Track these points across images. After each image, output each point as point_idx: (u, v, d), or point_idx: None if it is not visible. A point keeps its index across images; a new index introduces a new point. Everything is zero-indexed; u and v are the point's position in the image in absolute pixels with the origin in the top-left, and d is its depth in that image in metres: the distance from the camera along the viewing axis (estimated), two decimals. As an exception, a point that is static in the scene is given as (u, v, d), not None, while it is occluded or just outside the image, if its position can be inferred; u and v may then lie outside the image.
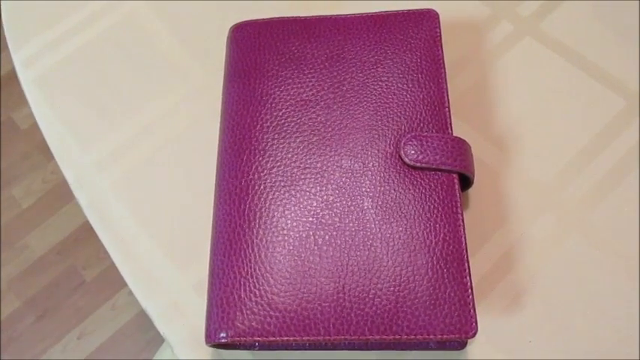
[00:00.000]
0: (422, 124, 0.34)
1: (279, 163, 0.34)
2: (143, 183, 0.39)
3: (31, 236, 1.17)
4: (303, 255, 0.31)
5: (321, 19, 0.38)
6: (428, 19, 0.37)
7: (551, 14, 0.43)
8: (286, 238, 0.31)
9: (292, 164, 0.33)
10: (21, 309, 1.10)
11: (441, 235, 0.31)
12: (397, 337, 0.29)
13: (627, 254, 0.35)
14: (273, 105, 0.35)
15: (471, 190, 0.37)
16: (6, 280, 1.13)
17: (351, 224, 0.32)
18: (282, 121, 0.35)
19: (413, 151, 0.33)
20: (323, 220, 0.32)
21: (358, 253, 0.31)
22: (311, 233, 0.32)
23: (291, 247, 0.31)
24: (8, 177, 1.23)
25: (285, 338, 0.29)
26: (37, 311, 1.10)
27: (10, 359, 1.06)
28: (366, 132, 0.34)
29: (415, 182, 0.32)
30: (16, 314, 1.10)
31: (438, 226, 0.31)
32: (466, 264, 0.30)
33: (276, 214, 0.32)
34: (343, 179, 0.33)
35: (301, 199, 0.32)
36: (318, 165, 0.33)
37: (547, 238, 0.35)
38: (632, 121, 0.38)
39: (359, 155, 0.33)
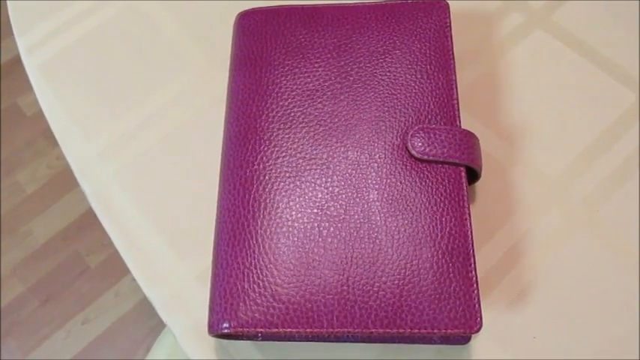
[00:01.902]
0: (430, 116, 0.34)
1: (284, 154, 0.33)
2: (148, 172, 0.39)
3: (36, 222, 1.17)
4: (307, 246, 0.31)
5: (329, 7, 0.37)
6: (438, 9, 0.37)
7: (562, 6, 0.42)
8: (291, 229, 0.31)
9: (298, 155, 0.33)
10: (25, 294, 1.11)
11: (447, 228, 0.31)
12: (401, 330, 0.29)
13: (634, 251, 0.34)
14: (279, 95, 0.35)
15: (478, 184, 0.37)
16: (10, 265, 1.13)
17: (356, 216, 0.31)
18: (288, 111, 0.34)
19: (420, 144, 0.32)
20: (328, 212, 0.32)
21: (363, 245, 0.31)
22: (315, 225, 0.31)
23: (295, 239, 0.31)
24: (13, 162, 1.23)
25: (288, 330, 0.29)
26: (40, 297, 1.11)
27: (13, 344, 1.07)
28: (373, 123, 0.34)
29: (422, 175, 0.32)
30: (20, 299, 1.11)
31: (444, 219, 0.31)
32: (472, 258, 0.30)
33: (280, 204, 0.32)
34: (349, 171, 0.32)
35: (306, 190, 0.32)
36: (324, 156, 0.33)
37: (554, 234, 0.35)
38: (643, 116, 0.38)
39: (365, 147, 0.33)
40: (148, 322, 1.08)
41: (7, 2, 0.45)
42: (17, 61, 1.35)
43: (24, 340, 1.07)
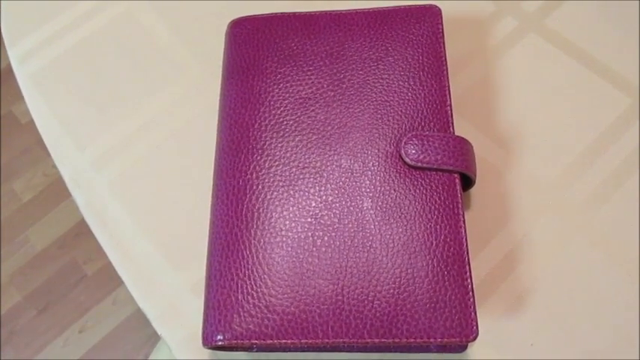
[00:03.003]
0: (423, 123, 0.33)
1: (277, 163, 0.33)
2: (140, 182, 0.38)
3: (32, 230, 1.17)
4: (301, 256, 0.31)
5: (321, 14, 0.37)
6: (430, 14, 0.36)
7: (556, 10, 0.42)
8: (284, 239, 0.31)
9: (291, 164, 0.33)
10: (22, 303, 1.10)
11: (442, 236, 0.31)
12: (397, 340, 0.29)
13: (630, 256, 0.34)
14: (272, 103, 0.35)
15: (473, 190, 0.36)
16: (7, 274, 1.13)
17: (350, 225, 0.31)
18: (281, 119, 0.34)
19: (414, 151, 0.32)
20: (322, 221, 0.31)
21: (357, 254, 0.30)
22: (309, 234, 0.31)
23: (289, 249, 0.31)
24: (9, 171, 1.23)
25: (283, 341, 0.29)
26: (38, 305, 1.10)
27: (11, 353, 1.06)
28: (366, 131, 0.33)
29: (416, 182, 0.32)
30: (17, 308, 1.10)
31: (438, 227, 0.31)
32: (467, 266, 0.30)
33: (274, 214, 0.32)
34: (343, 179, 0.32)
35: (300, 200, 0.32)
36: (318, 164, 0.33)
37: (550, 240, 0.35)
38: (636, 119, 0.38)
39: (359, 155, 0.33)
40: (146, 330, 1.08)
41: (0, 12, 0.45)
42: (12, 68, 1.34)
43: (22, 349, 1.07)
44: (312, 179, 0.32)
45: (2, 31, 0.45)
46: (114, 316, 1.09)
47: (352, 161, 0.33)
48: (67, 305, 1.10)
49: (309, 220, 0.31)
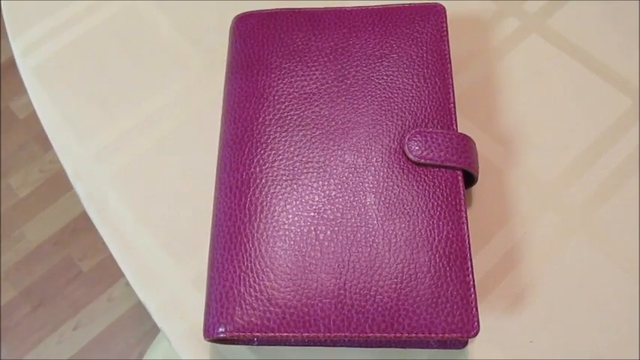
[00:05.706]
0: (426, 120, 0.34)
1: (280, 157, 0.33)
2: (143, 175, 0.38)
3: (28, 226, 1.17)
4: (304, 250, 0.31)
5: (326, 10, 0.37)
6: (434, 13, 0.37)
7: (558, 11, 0.42)
8: (287, 232, 0.31)
9: (294, 158, 0.33)
10: (17, 299, 1.10)
11: (444, 232, 0.31)
12: (398, 335, 0.29)
13: (630, 255, 0.34)
14: (276, 98, 0.35)
15: (475, 188, 0.37)
16: (2, 269, 1.12)
17: (353, 220, 0.31)
18: (285, 114, 0.34)
19: (417, 147, 0.32)
20: (325, 216, 0.31)
21: (360, 249, 0.30)
22: (312, 228, 0.31)
23: (292, 242, 0.31)
24: (5, 166, 1.22)
25: (285, 334, 0.29)
26: (33, 301, 1.10)
27: (4, 349, 1.06)
28: (370, 127, 0.33)
29: (419, 179, 0.32)
30: (12, 304, 1.10)
31: (441, 223, 0.31)
32: (469, 262, 0.30)
33: (277, 208, 0.32)
34: (346, 174, 0.32)
35: (303, 194, 0.32)
36: (321, 159, 0.33)
37: (550, 238, 0.35)
38: (637, 120, 0.38)
39: (362, 150, 0.33)
40: (141, 327, 1.07)
41: (2, 4, 0.45)
42: (10, 64, 1.34)
43: (16, 346, 1.06)
44: (315, 174, 0.32)
45: (5, 23, 0.44)
46: (109, 313, 1.09)
47: (356, 156, 0.33)
48: (61, 302, 1.10)
49: (312, 214, 0.31)
